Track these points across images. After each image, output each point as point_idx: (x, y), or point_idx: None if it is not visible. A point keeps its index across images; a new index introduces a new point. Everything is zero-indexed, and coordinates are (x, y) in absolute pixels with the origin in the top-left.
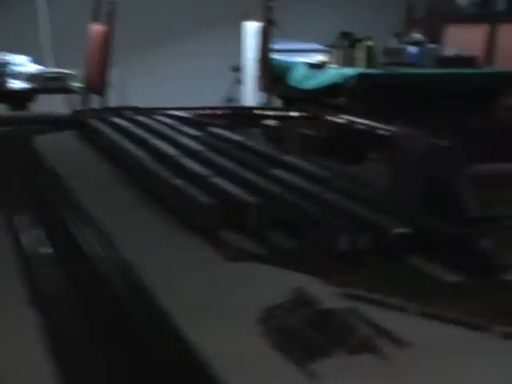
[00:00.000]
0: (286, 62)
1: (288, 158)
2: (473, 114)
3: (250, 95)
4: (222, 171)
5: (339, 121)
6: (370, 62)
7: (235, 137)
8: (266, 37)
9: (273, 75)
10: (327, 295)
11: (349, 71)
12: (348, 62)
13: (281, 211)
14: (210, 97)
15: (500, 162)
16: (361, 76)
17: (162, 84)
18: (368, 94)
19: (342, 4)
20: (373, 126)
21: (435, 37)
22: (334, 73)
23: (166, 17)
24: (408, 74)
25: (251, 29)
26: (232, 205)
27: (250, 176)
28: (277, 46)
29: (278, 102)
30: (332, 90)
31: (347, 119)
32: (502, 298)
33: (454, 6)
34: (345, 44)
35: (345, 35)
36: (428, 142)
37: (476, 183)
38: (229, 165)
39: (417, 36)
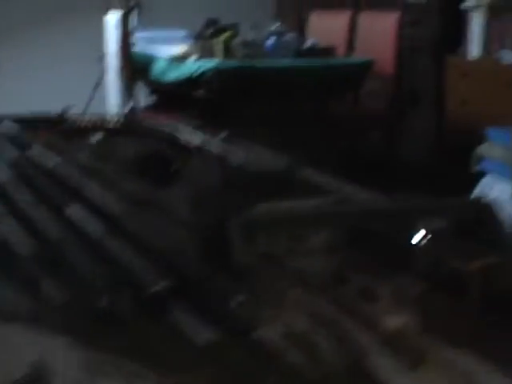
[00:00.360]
0: (147, 53)
1: (90, 189)
2: (330, 104)
3: (114, 86)
4: (16, 209)
5: (164, 135)
6: (229, 54)
7: (49, 161)
8: (126, 27)
9: (135, 66)
10: (74, 366)
11: (207, 63)
12: (207, 53)
13: (58, 261)
14: (83, 84)
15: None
16: (218, 69)
17: (35, 71)
18: (225, 87)
19: None
20: (192, 143)
21: (301, 25)
22: (193, 65)
23: (34, 4)
24: (264, 66)
25: (114, 18)
26: (7, 254)
27: (41, 216)
28: (142, 35)
29: (145, 91)
30: (192, 82)
31: (173, 133)
32: (247, 361)
33: None
34: (208, 33)
35: (211, 23)
36: (219, 178)
37: (256, 224)
38: (25, 200)
39: (276, 26)
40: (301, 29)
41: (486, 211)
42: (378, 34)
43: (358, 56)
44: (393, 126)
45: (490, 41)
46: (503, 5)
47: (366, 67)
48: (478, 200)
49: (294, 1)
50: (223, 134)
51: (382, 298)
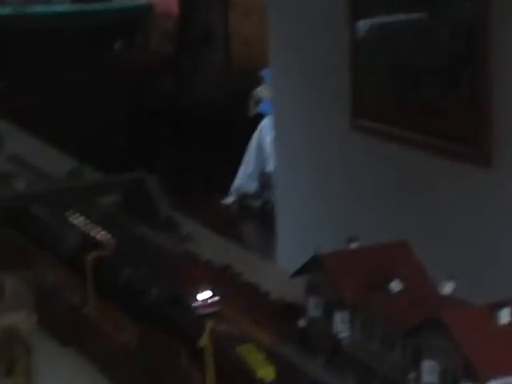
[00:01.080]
0: None
1: None
2: (116, 49)
3: None
4: None
5: None
6: (2, 1)
7: None
8: None
9: None
10: None
11: None
12: None
13: None
14: None
15: None
16: None
17: None
18: None
19: None
20: None
21: None
22: None
23: None
24: (38, 12)
25: None
26: None
27: None
28: None
29: None
30: None
31: None
32: None
33: None
34: None
35: None
36: None
37: None
38: None
39: None
40: None
41: (149, 185)
42: None
43: None
44: (183, 67)
45: None
46: None
47: (146, 10)
48: (143, 175)
49: None
50: None
51: (6, 293)
